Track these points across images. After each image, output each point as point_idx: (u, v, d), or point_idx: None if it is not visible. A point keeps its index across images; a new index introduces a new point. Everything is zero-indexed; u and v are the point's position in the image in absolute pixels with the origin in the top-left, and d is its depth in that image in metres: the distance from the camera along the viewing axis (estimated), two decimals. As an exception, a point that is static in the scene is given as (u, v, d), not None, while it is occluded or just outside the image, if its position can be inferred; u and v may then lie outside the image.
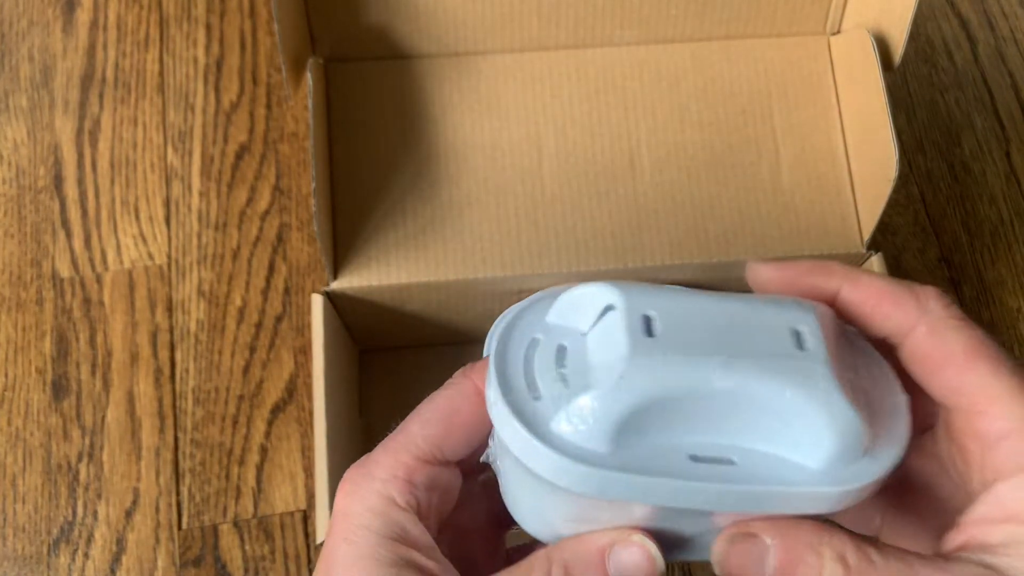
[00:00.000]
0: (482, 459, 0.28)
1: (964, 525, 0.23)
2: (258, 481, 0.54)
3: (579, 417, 0.23)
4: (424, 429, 0.27)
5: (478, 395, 0.26)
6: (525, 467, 0.24)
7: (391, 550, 0.25)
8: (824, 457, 0.23)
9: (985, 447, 0.23)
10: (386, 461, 0.26)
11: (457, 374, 0.27)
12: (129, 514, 0.53)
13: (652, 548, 0.24)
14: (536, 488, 0.25)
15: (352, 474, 0.27)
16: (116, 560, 0.52)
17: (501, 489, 0.28)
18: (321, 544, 0.40)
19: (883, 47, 0.48)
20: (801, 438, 0.23)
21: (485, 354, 0.27)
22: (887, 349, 0.26)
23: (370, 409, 0.55)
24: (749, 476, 0.23)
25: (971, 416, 0.24)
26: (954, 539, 0.23)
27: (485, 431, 0.27)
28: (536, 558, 0.26)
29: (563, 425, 0.23)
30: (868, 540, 0.23)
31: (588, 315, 0.25)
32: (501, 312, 0.28)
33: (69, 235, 0.59)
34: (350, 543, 0.25)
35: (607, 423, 0.23)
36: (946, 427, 0.25)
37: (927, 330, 0.24)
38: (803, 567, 0.22)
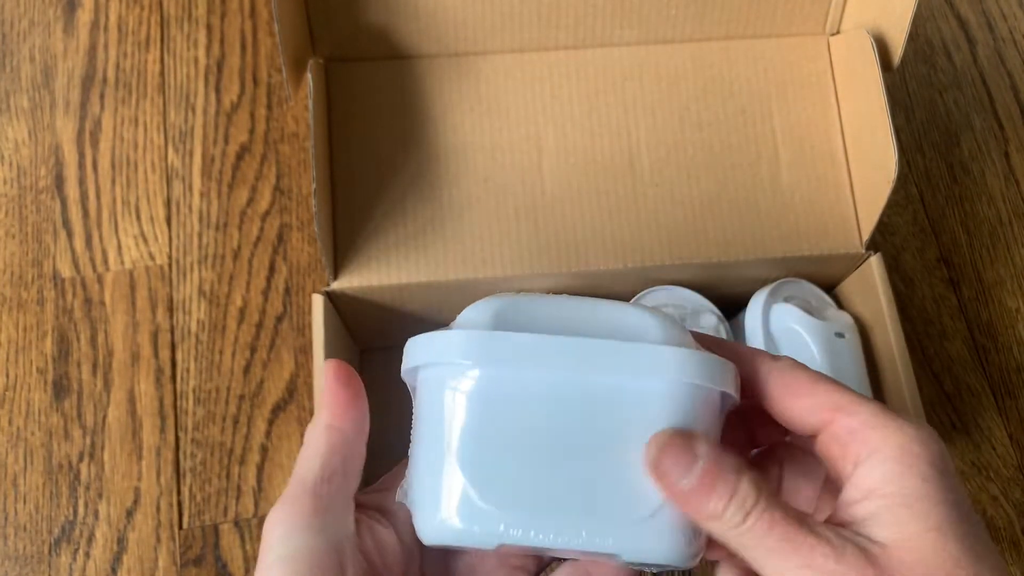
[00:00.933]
0: (397, 499, 0.29)
1: (837, 509, 0.27)
2: (259, 481, 0.54)
3: (467, 314, 0.29)
4: (305, 482, 0.29)
5: (336, 432, 0.30)
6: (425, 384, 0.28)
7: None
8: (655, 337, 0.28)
9: (842, 446, 0.27)
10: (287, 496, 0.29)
11: (309, 428, 0.30)
12: (130, 513, 0.53)
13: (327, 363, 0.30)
14: (432, 417, 0.28)
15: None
16: (117, 559, 0.53)
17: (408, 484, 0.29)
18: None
19: (882, 48, 0.48)
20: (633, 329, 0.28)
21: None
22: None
23: (370, 409, 0.55)
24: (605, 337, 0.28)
25: (826, 428, 0.27)
26: (832, 521, 0.27)
27: (357, 462, 0.30)
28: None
29: (456, 320, 0.29)
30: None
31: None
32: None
33: (70, 235, 0.59)
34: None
35: (488, 311, 0.28)
36: (818, 450, 0.29)
37: (777, 374, 0.29)
38: (722, 483, 0.25)
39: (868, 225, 0.49)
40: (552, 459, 0.27)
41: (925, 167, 0.64)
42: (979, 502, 0.55)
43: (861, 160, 0.49)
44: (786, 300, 0.50)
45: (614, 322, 0.28)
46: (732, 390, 0.28)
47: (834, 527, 0.26)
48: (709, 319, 0.48)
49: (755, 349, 0.30)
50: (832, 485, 0.29)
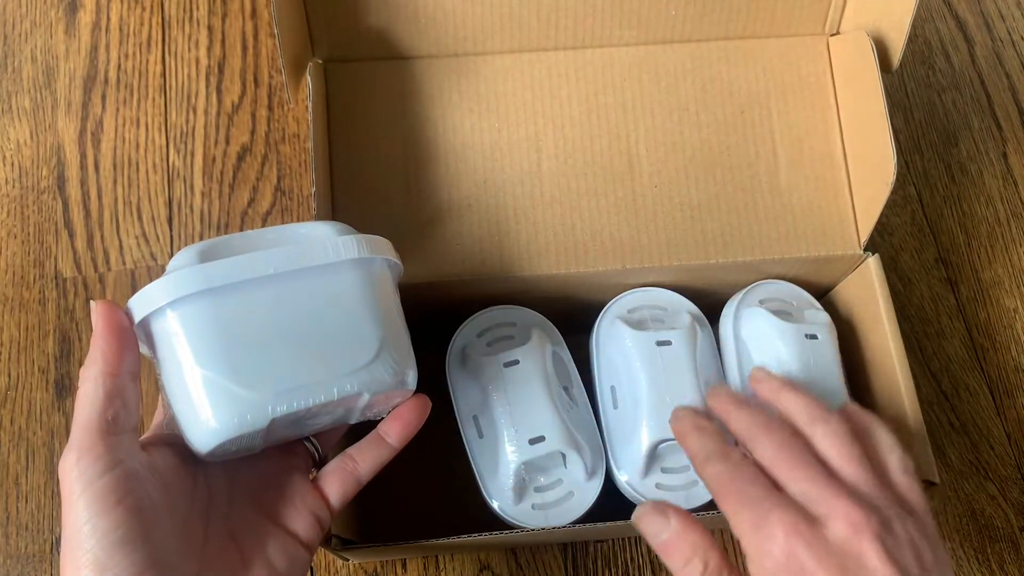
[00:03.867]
0: (166, 430, 0.36)
1: None
2: (259, 480, 0.54)
3: (174, 261, 0.35)
4: (84, 422, 0.33)
5: (108, 377, 0.34)
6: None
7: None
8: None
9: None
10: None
11: (82, 374, 0.34)
12: (131, 512, 0.54)
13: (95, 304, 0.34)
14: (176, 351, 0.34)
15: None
16: (118, 558, 0.53)
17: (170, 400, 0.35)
18: (321, 542, 0.40)
19: (882, 49, 0.48)
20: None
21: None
22: None
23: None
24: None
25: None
26: None
27: (130, 400, 0.34)
28: None
29: (167, 268, 0.35)
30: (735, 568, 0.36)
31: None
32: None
33: (72, 235, 0.60)
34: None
35: (194, 252, 0.35)
36: None
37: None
38: (679, 553, 0.36)
39: (866, 226, 0.49)
40: (289, 343, 0.34)
41: (923, 168, 0.64)
42: (977, 501, 0.55)
43: (860, 161, 0.49)
44: (761, 303, 0.49)
45: (294, 234, 0.37)
46: (391, 256, 0.38)
47: None
48: (684, 319, 0.48)
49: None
50: None
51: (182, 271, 0.34)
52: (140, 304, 0.34)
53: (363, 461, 0.40)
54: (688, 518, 0.36)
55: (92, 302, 0.34)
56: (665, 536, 0.36)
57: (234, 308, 0.34)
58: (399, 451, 0.40)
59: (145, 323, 0.34)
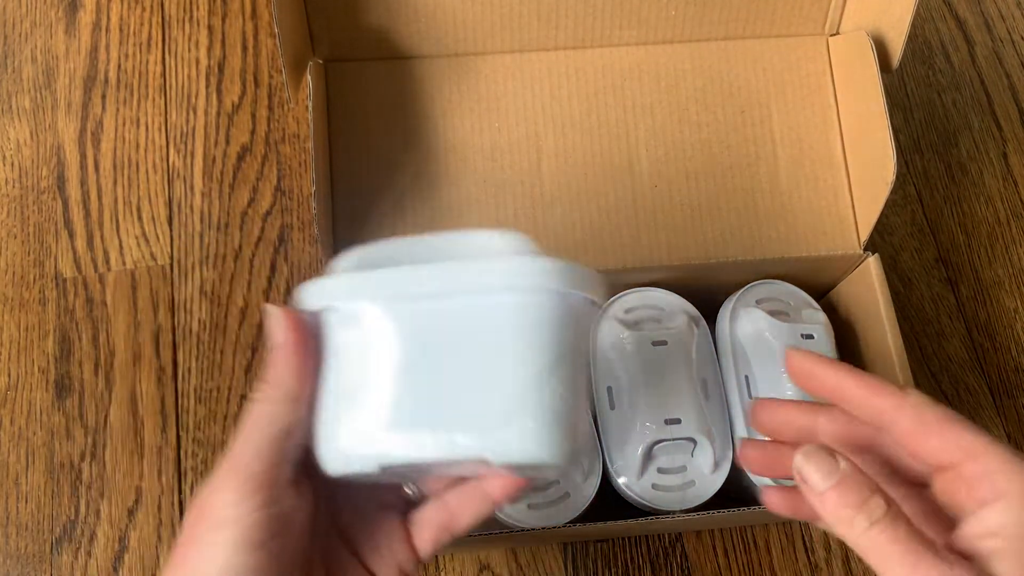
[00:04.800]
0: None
1: (955, 540, 0.29)
2: (259, 480, 0.54)
3: (334, 263, 0.31)
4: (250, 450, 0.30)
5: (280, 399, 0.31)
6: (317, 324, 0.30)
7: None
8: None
9: (969, 488, 0.29)
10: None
11: (252, 396, 0.31)
12: (131, 512, 0.54)
13: (279, 312, 0.30)
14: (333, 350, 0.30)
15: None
16: (118, 558, 0.53)
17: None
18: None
19: (881, 49, 0.48)
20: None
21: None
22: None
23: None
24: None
25: (956, 467, 0.30)
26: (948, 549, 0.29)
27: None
28: None
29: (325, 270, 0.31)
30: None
31: None
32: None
33: (72, 235, 0.60)
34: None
35: (355, 256, 0.31)
36: (937, 484, 0.31)
37: (911, 411, 0.31)
38: (855, 493, 0.29)
39: (866, 226, 0.49)
40: (426, 379, 0.29)
41: (923, 167, 0.64)
42: (977, 501, 0.55)
43: (859, 161, 0.49)
44: (758, 303, 0.49)
45: (469, 246, 0.30)
46: (596, 295, 0.30)
47: (953, 553, 0.28)
48: (680, 319, 0.48)
49: (882, 382, 0.32)
50: (937, 513, 0.32)
51: (346, 275, 0.30)
52: (312, 297, 0.31)
53: (462, 514, 0.34)
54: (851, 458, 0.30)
55: (270, 308, 0.30)
56: (837, 477, 0.29)
57: (379, 330, 0.29)
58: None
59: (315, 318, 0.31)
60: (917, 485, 0.33)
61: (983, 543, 0.28)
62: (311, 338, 0.30)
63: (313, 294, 0.30)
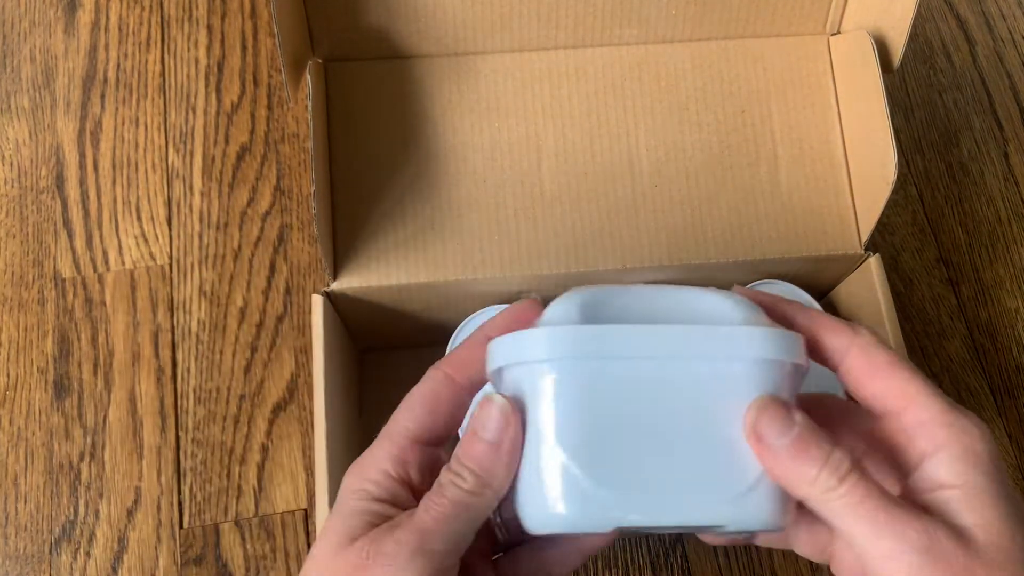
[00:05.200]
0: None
1: (909, 495, 0.28)
2: (259, 480, 0.54)
3: (554, 309, 0.30)
4: (410, 413, 0.30)
5: (449, 379, 0.31)
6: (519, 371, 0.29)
7: (376, 508, 0.29)
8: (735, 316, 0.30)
9: (909, 438, 0.29)
10: (382, 444, 0.30)
11: (430, 369, 0.31)
12: (130, 513, 0.54)
13: (504, 403, 0.29)
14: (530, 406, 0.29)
15: (354, 463, 0.31)
16: (118, 559, 0.53)
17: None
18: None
19: (882, 48, 0.48)
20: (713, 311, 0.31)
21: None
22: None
23: (370, 409, 0.55)
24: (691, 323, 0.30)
25: (897, 415, 0.29)
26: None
27: (462, 414, 0.31)
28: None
29: (543, 317, 0.30)
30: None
31: None
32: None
33: (71, 235, 0.60)
34: (345, 505, 0.29)
35: (574, 306, 0.30)
36: (879, 431, 0.30)
37: (858, 351, 0.30)
38: (815, 447, 0.27)
39: (867, 226, 0.49)
40: (655, 443, 0.28)
41: (924, 167, 0.64)
42: (978, 502, 0.55)
43: (860, 161, 0.49)
44: None
45: (692, 307, 0.30)
46: (804, 361, 0.30)
47: (916, 508, 0.27)
48: None
49: (835, 320, 0.31)
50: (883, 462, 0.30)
51: (570, 329, 0.29)
52: (504, 351, 0.30)
53: (554, 565, 0.33)
54: (813, 407, 0.29)
55: (496, 398, 0.29)
56: (795, 431, 0.27)
57: (614, 385, 0.29)
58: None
59: (500, 372, 0.30)
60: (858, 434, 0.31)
61: (935, 495, 0.27)
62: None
63: (535, 346, 0.29)
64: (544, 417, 0.29)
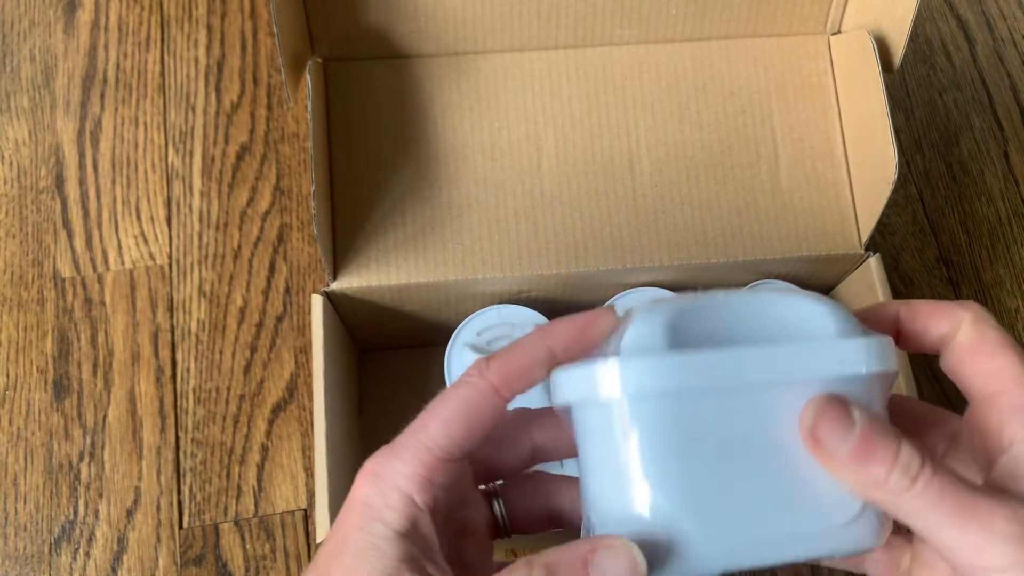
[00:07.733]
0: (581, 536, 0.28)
1: (991, 481, 0.26)
2: (259, 480, 0.54)
3: (634, 332, 0.27)
4: (445, 428, 0.27)
5: (495, 394, 0.27)
6: (599, 407, 0.27)
7: (401, 547, 0.26)
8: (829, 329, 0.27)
9: (1001, 421, 0.26)
10: (409, 457, 0.27)
11: (471, 371, 0.28)
12: (130, 513, 0.54)
13: (635, 551, 0.25)
14: (612, 436, 0.27)
15: (375, 465, 0.27)
16: (117, 559, 0.53)
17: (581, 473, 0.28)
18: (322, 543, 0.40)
19: (883, 48, 0.48)
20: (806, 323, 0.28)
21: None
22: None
23: (370, 409, 0.55)
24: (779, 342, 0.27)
25: (993, 398, 0.27)
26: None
27: (495, 429, 0.28)
28: (517, 564, 0.26)
29: (623, 343, 0.27)
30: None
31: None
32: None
33: (70, 235, 0.60)
34: (365, 533, 0.26)
35: (660, 322, 0.27)
36: (969, 418, 0.28)
37: (970, 326, 0.28)
38: (882, 447, 0.24)
39: (867, 225, 0.49)
40: (755, 480, 0.26)
41: (924, 167, 0.64)
42: (978, 502, 0.55)
43: (861, 160, 0.49)
44: None
45: (782, 319, 0.28)
46: (896, 366, 0.28)
47: (1002, 494, 0.25)
48: None
49: (938, 302, 0.29)
50: (958, 445, 0.29)
51: (652, 363, 0.26)
52: (584, 387, 0.27)
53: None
54: (868, 410, 0.26)
55: (616, 541, 0.26)
56: (857, 431, 0.25)
57: (706, 420, 0.26)
58: None
59: (570, 408, 0.28)
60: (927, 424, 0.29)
61: (1018, 484, 0.25)
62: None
63: (611, 382, 0.26)
64: (631, 461, 0.26)
